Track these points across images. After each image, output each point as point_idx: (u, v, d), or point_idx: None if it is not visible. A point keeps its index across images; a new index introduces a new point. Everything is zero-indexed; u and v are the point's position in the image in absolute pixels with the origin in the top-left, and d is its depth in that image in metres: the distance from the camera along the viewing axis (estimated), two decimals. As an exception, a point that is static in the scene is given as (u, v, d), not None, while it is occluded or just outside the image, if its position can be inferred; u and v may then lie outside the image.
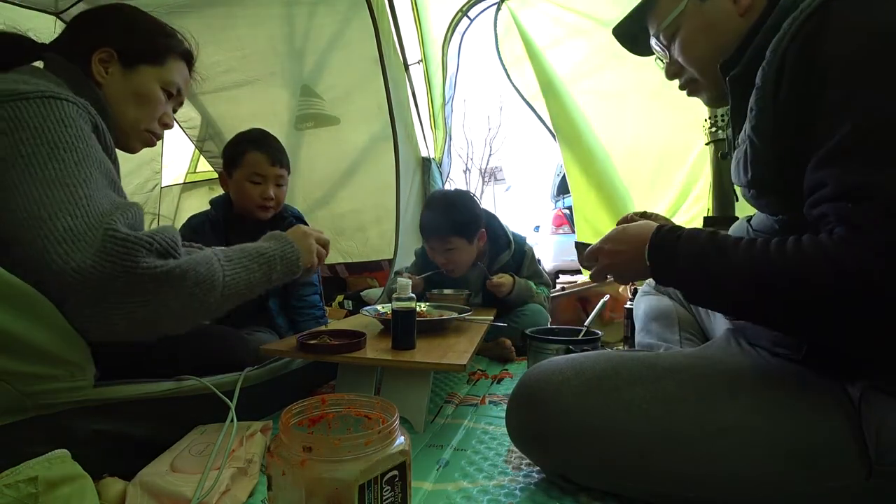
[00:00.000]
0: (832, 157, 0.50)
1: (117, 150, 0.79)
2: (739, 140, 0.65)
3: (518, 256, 1.69)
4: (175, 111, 0.91)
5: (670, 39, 0.76)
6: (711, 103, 0.78)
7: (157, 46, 0.84)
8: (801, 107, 0.53)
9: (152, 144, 0.89)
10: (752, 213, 0.77)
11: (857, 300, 0.47)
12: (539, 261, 1.81)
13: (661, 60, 0.82)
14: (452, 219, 1.54)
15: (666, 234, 0.63)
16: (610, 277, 0.76)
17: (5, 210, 0.56)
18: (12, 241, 0.56)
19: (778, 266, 0.51)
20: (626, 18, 0.83)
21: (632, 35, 0.85)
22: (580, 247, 0.83)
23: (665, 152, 2.17)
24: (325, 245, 0.91)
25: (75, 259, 0.55)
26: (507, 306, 1.62)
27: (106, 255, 0.56)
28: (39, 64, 0.77)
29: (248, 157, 1.31)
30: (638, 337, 1.14)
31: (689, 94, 0.80)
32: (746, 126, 0.61)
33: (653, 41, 0.80)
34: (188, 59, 0.90)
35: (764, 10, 0.64)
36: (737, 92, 0.65)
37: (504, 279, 1.56)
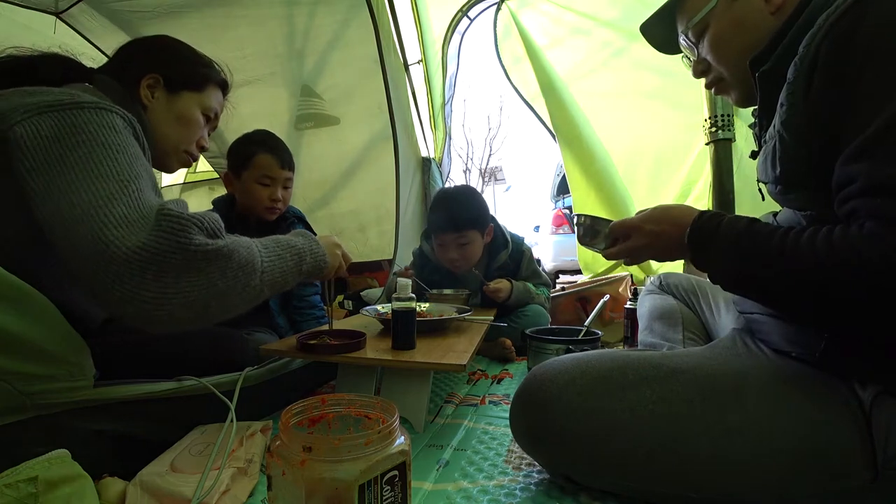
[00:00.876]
0: (861, 152, 0.50)
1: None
2: (767, 136, 0.65)
3: (516, 256, 1.69)
4: (209, 134, 0.97)
5: (699, 37, 0.76)
6: (739, 103, 0.78)
7: (199, 74, 0.91)
8: (832, 102, 0.53)
9: (188, 165, 0.95)
10: (777, 209, 0.77)
11: (885, 293, 0.47)
12: (539, 261, 1.81)
13: (689, 59, 0.81)
14: (466, 213, 1.56)
15: (707, 220, 0.64)
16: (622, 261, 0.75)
17: (62, 208, 0.58)
18: (66, 236, 0.58)
19: (807, 258, 0.51)
20: (653, 16, 0.83)
21: (659, 33, 0.84)
22: (590, 221, 0.80)
23: (665, 152, 2.17)
24: (347, 259, 0.95)
25: (131, 240, 0.57)
26: (507, 309, 1.62)
27: (161, 231, 0.58)
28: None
29: (258, 159, 1.31)
30: (641, 336, 1.13)
31: (717, 93, 0.80)
32: (776, 121, 0.60)
33: (680, 39, 0.80)
34: (224, 87, 0.98)
35: (796, 7, 0.63)
36: (766, 88, 0.65)
37: (501, 285, 1.56)
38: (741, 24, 0.70)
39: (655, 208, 0.73)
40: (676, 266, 2.06)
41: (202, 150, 0.95)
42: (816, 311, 0.55)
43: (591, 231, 0.80)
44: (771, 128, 0.63)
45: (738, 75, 0.73)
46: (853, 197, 0.50)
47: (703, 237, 0.63)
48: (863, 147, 0.50)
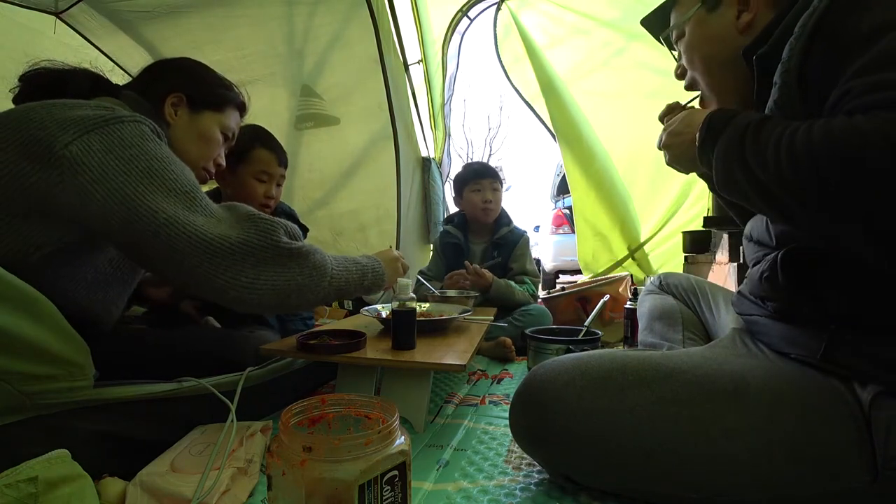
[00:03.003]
0: (859, 71, 0.48)
1: None
2: None
3: (515, 237, 1.88)
4: (225, 153, 1.01)
5: (678, 41, 0.79)
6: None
7: (220, 95, 0.96)
8: (831, 69, 0.52)
9: (205, 182, 0.98)
10: None
11: None
12: (538, 261, 1.85)
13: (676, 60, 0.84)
14: (496, 171, 1.99)
15: (723, 112, 0.62)
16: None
17: (141, 214, 0.66)
18: (153, 237, 0.66)
19: (822, 135, 0.48)
20: (653, 12, 0.85)
21: (658, 26, 0.86)
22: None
23: (665, 152, 2.17)
24: (405, 269, 1.06)
25: (232, 236, 0.70)
26: (507, 309, 1.65)
27: (258, 229, 0.72)
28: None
29: (257, 155, 1.30)
30: (641, 336, 1.14)
31: (701, 100, 0.82)
32: (770, 102, 0.61)
33: (670, 38, 0.83)
34: (242, 109, 1.03)
35: (773, 19, 0.65)
36: (763, 71, 0.65)
37: (487, 273, 1.69)
38: (710, 37, 0.73)
39: (683, 112, 0.73)
40: (677, 266, 2.06)
41: (218, 167, 0.99)
42: (827, 199, 0.49)
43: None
44: (766, 110, 0.63)
45: (707, 82, 0.76)
46: (853, 99, 0.48)
47: (712, 129, 0.60)
48: (860, 69, 0.49)
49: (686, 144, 0.68)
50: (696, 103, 0.82)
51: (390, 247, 1.05)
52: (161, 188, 0.68)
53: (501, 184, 1.94)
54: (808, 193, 0.50)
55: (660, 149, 0.76)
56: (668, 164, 0.76)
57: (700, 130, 0.63)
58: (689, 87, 0.82)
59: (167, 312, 1.19)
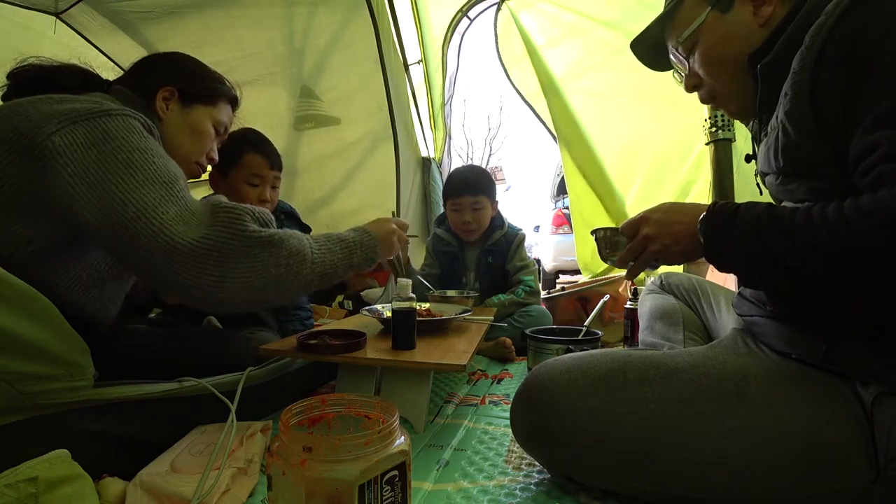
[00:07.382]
0: (883, 120, 0.49)
1: None
2: (770, 127, 0.65)
3: (510, 238, 1.82)
4: (218, 148, 1.00)
5: (689, 52, 0.76)
6: (736, 115, 0.78)
7: (212, 89, 0.95)
8: (844, 85, 0.53)
9: (198, 176, 0.97)
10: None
11: None
12: (538, 261, 1.84)
13: (680, 74, 0.82)
14: (482, 181, 1.80)
15: (723, 207, 0.60)
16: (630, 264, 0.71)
17: (113, 207, 0.64)
18: (121, 233, 0.64)
19: (838, 226, 0.49)
20: (643, 33, 0.83)
21: (650, 49, 0.85)
22: (608, 232, 0.76)
23: (664, 151, 2.17)
24: (403, 228, 0.99)
25: (190, 234, 0.65)
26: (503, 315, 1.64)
27: (218, 222, 0.67)
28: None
29: (248, 160, 1.29)
30: (642, 335, 1.13)
31: (714, 106, 0.80)
32: (779, 111, 0.60)
33: (671, 55, 0.80)
34: (234, 103, 1.02)
35: (784, 18, 0.64)
36: (767, 80, 0.65)
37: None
38: (730, 38, 0.71)
39: (662, 203, 0.70)
40: (677, 266, 2.06)
41: (211, 161, 0.98)
42: (848, 284, 0.52)
43: (609, 243, 0.76)
44: (773, 119, 0.63)
45: (730, 88, 0.73)
46: (878, 163, 0.49)
47: (720, 224, 0.59)
48: (883, 118, 0.49)
49: (680, 235, 0.65)
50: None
51: (392, 213, 1.00)
52: (137, 179, 0.65)
53: (491, 193, 1.80)
54: (849, 278, 0.51)
55: (627, 245, 0.71)
56: (652, 259, 0.70)
57: (703, 224, 0.61)
58: (705, 99, 0.79)
59: (185, 313, 1.19)
